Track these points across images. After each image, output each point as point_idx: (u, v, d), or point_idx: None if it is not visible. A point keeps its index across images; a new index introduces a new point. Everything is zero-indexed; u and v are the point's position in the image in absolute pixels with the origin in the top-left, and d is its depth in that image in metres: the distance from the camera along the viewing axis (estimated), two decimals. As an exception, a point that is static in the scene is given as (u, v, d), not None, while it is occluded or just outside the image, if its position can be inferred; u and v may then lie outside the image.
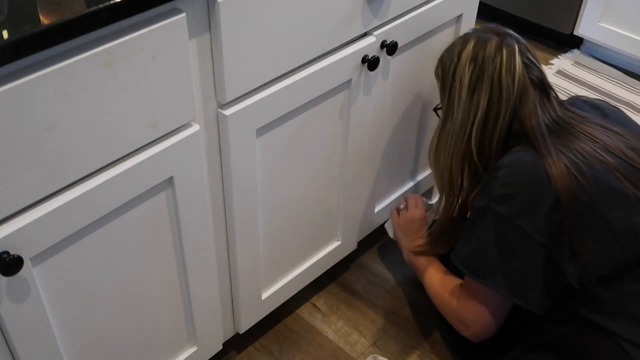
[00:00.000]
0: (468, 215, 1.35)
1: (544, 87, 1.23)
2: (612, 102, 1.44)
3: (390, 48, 1.28)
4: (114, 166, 0.95)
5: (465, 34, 1.28)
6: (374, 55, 1.25)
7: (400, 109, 1.47)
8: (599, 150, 1.16)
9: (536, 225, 1.11)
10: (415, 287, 1.65)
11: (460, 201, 1.34)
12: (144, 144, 0.97)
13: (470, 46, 1.23)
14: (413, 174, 1.68)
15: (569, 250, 1.12)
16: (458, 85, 1.24)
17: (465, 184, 1.30)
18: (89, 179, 0.93)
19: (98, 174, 0.94)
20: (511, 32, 1.26)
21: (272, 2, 1.02)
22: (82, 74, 0.84)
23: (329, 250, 1.52)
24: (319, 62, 1.18)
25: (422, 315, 1.59)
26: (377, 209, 1.60)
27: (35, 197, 0.88)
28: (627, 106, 2.23)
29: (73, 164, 0.89)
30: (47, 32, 0.77)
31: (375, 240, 1.76)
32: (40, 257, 0.92)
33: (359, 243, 1.63)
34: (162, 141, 1.00)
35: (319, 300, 1.62)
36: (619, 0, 2.27)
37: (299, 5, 1.07)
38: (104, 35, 0.85)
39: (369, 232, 1.64)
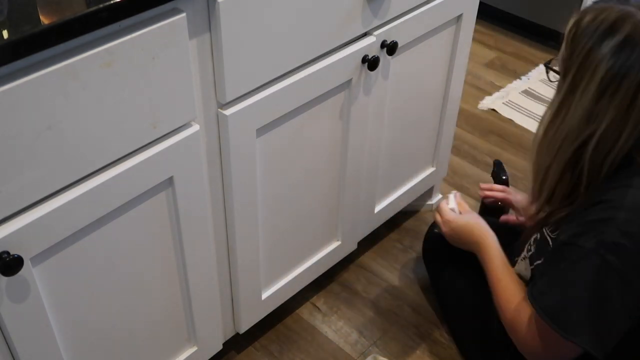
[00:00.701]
0: (551, 244, 1.14)
1: None
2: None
3: (390, 48, 1.28)
4: (114, 166, 0.95)
5: (619, 4, 1.00)
6: (374, 55, 1.25)
7: (400, 109, 1.47)
8: None
9: None
10: (415, 287, 1.65)
11: (543, 211, 1.13)
12: (144, 143, 0.97)
13: (623, 33, 0.96)
14: (413, 174, 1.68)
15: None
16: (588, 75, 0.99)
17: (556, 193, 1.09)
18: (89, 179, 0.93)
19: (98, 174, 0.94)
20: None
21: (272, 1, 1.02)
22: (82, 74, 0.84)
23: (329, 250, 1.52)
24: (319, 62, 1.18)
25: (422, 315, 1.59)
26: (377, 209, 1.60)
27: (36, 197, 0.88)
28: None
29: (73, 163, 0.89)
30: (47, 32, 0.77)
31: (375, 240, 1.76)
32: (41, 257, 0.92)
33: (359, 243, 1.63)
34: (162, 141, 1.00)
35: (319, 300, 1.62)
36: (619, 0, 2.27)
37: (299, 5, 1.07)
38: (104, 35, 0.85)
39: (369, 232, 1.64)
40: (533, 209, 1.15)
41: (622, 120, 0.99)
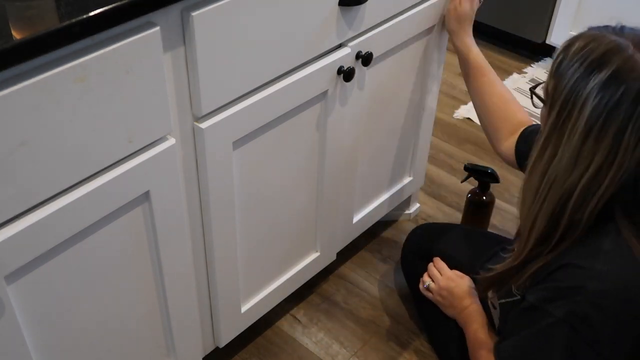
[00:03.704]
0: (517, 300, 1.10)
1: None
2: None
3: (365, 59, 1.29)
4: (89, 181, 0.94)
5: (619, 30, 0.95)
6: (350, 66, 1.26)
7: (377, 119, 1.48)
8: None
9: (618, 352, 0.97)
10: (395, 297, 1.66)
11: (527, 258, 1.06)
12: (119, 158, 0.97)
13: (610, 68, 0.90)
14: (390, 184, 1.69)
15: None
16: (575, 113, 0.93)
17: (542, 240, 1.03)
18: (64, 195, 0.92)
19: (73, 190, 0.93)
20: None
21: (246, 14, 1.03)
22: (56, 89, 0.83)
23: (308, 261, 1.52)
24: (294, 73, 1.19)
25: (402, 324, 1.59)
26: (355, 219, 1.60)
27: (9, 214, 0.87)
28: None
29: (47, 179, 0.88)
30: (19, 47, 0.77)
31: (354, 251, 1.76)
32: (15, 275, 0.91)
33: (338, 254, 1.63)
34: (137, 155, 0.99)
35: (299, 311, 1.61)
36: (588, 10, 2.31)
37: (274, 17, 1.07)
38: (78, 49, 0.85)
39: (347, 243, 1.64)
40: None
41: (607, 163, 0.93)
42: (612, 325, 0.95)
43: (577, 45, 0.95)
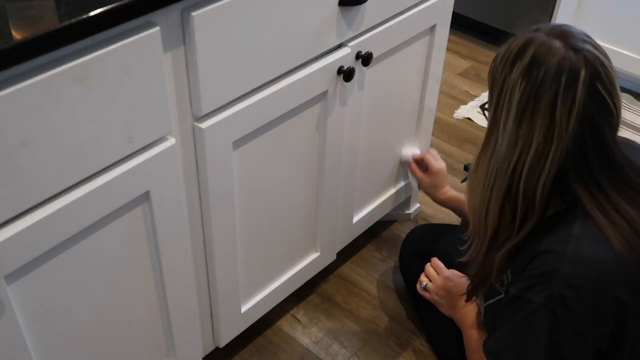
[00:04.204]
0: (501, 298, 1.12)
1: (609, 143, 0.99)
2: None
3: (365, 59, 1.29)
4: (89, 181, 0.94)
5: (534, 30, 1.04)
6: (349, 67, 1.26)
7: (377, 119, 1.48)
8: None
9: (598, 332, 0.99)
10: (394, 296, 1.66)
11: (490, 248, 1.10)
12: (119, 158, 0.97)
13: (528, 55, 0.99)
14: (390, 184, 1.69)
15: (631, 352, 1.02)
16: (506, 103, 1.01)
17: (501, 228, 1.07)
18: (65, 195, 0.92)
19: (73, 190, 0.93)
20: (590, 44, 0.98)
21: (247, 14, 1.03)
22: (56, 89, 0.83)
23: (308, 261, 1.52)
24: (294, 73, 1.19)
25: (402, 324, 1.59)
26: (355, 219, 1.61)
27: (9, 214, 0.87)
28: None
29: (48, 179, 0.88)
30: (19, 47, 0.77)
31: (354, 251, 1.76)
32: (15, 275, 0.91)
33: (338, 254, 1.63)
34: (138, 155, 0.99)
35: (299, 311, 1.61)
36: (588, 10, 2.31)
37: (275, 17, 1.07)
38: (78, 49, 0.85)
39: (347, 243, 1.64)
40: (470, 249, 1.15)
41: (547, 140, 0.98)
42: (589, 305, 0.97)
43: (501, 49, 1.04)
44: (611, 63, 0.99)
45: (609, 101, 0.97)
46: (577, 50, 0.96)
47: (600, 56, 0.97)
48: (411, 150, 1.64)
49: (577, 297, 0.97)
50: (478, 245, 1.12)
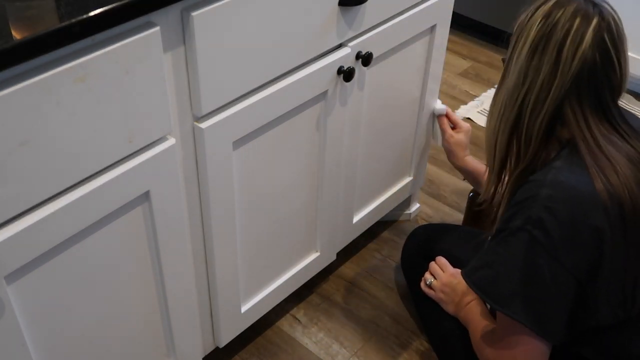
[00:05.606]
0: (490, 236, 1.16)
1: (611, 89, 1.06)
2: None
3: (365, 59, 1.29)
4: (89, 181, 0.94)
5: None
6: (350, 67, 1.26)
7: (377, 119, 1.48)
8: None
9: (575, 259, 1.01)
10: (394, 296, 1.66)
11: (498, 180, 1.18)
12: (119, 158, 0.97)
13: (551, 2, 1.07)
14: (390, 184, 1.69)
15: (607, 286, 1.04)
16: (522, 40, 1.08)
17: (507, 161, 1.14)
18: (65, 195, 0.92)
19: (73, 190, 0.93)
20: (608, 5, 1.07)
21: (247, 14, 1.03)
22: (56, 89, 0.83)
23: (308, 261, 1.52)
24: (294, 73, 1.19)
25: (402, 324, 1.59)
26: (355, 219, 1.61)
27: (9, 214, 0.87)
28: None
29: (48, 179, 0.88)
30: (19, 47, 0.77)
31: (354, 251, 1.76)
32: (15, 275, 0.91)
33: (338, 254, 1.63)
34: (137, 155, 0.99)
35: (299, 311, 1.61)
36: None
37: (274, 17, 1.07)
38: (78, 49, 0.85)
39: (347, 243, 1.64)
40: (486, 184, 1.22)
41: (551, 74, 1.05)
42: (565, 229, 1.01)
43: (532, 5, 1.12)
44: (623, 27, 1.06)
45: (613, 54, 1.04)
46: (595, 4, 1.05)
47: (615, 15, 1.06)
48: (442, 106, 1.64)
49: (554, 220, 1.00)
50: (490, 180, 1.19)
